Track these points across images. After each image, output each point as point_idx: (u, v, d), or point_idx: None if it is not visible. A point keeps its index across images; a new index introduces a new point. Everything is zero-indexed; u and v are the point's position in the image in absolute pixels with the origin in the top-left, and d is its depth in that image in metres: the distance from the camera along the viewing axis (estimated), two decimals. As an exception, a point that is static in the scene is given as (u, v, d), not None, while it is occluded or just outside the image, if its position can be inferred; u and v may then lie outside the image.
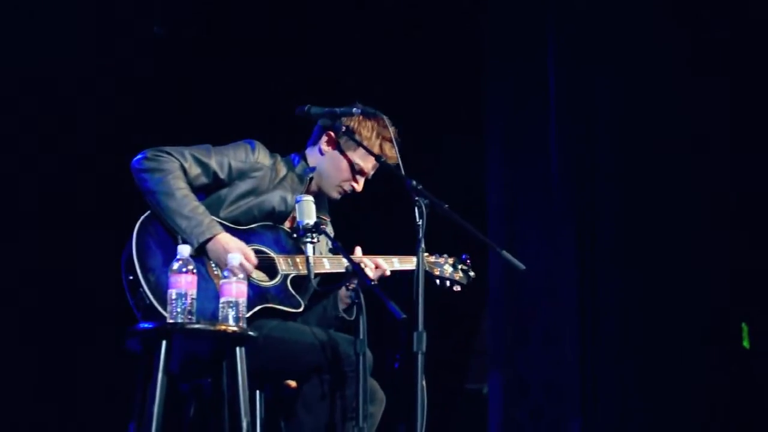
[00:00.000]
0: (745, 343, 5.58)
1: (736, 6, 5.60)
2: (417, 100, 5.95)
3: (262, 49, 6.19)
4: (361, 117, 4.16)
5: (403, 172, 3.92)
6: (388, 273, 4.15)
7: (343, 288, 4.10)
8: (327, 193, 4.26)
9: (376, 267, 4.14)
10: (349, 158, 4.20)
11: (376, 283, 3.89)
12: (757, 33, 5.58)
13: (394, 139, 4.14)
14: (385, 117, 4.17)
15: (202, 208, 3.94)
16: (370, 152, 4.13)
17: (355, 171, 4.22)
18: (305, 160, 4.27)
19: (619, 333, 5.58)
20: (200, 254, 3.88)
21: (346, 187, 4.24)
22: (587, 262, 5.68)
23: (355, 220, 4.66)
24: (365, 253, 4.17)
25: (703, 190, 5.62)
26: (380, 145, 4.18)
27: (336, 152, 4.22)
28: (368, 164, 4.21)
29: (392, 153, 4.15)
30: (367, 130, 4.18)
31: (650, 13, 5.73)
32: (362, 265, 4.05)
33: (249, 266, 3.87)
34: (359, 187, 4.25)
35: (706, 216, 5.59)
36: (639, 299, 5.59)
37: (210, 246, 3.90)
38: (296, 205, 3.97)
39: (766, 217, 5.56)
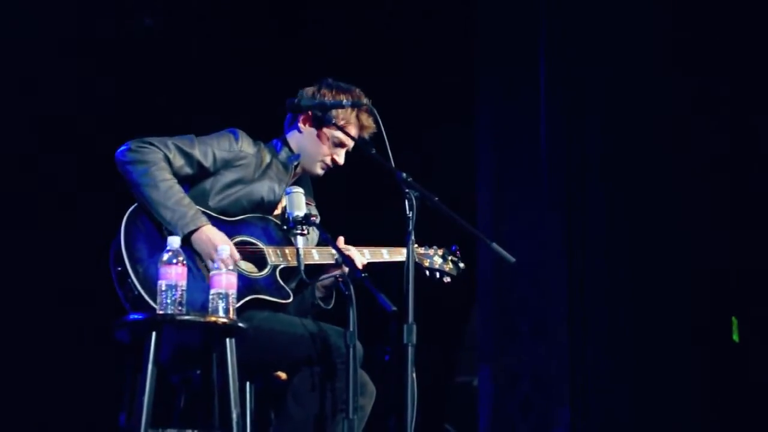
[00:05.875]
0: (735, 337, 5.60)
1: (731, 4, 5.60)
2: (407, 92, 5.95)
3: (250, 37, 6.18)
4: (350, 109, 4.18)
5: (393, 164, 3.92)
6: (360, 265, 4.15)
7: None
8: (310, 171, 4.26)
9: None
10: (328, 132, 4.21)
11: (366, 275, 3.90)
12: (750, 30, 5.58)
13: (369, 109, 4.14)
14: (358, 89, 4.19)
15: (187, 200, 3.94)
16: (346, 133, 4.14)
17: (335, 144, 4.23)
18: (287, 145, 4.28)
19: (607, 325, 5.60)
20: (185, 245, 3.86)
21: (328, 161, 4.25)
22: (576, 255, 5.68)
23: (345, 210, 4.66)
24: (355, 244, 4.17)
25: (693, 183, 5.63)
26: (357, 117, 4.20)
27: (314, 128, 4.24)
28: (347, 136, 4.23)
29: (369, 122, 4.18)
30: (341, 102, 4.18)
31: (643, 6, 5.73)
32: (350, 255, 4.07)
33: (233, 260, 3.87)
34: (341, 159, 4.26)
35: (695, 209, 5.60)
36: (628, 291, 5.61)
37: (195, 237, 3.89)
38: (286, 197, 3.98)
39: (757, 211, 5.57)
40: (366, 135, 4.18)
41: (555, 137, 5.82)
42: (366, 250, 4.20)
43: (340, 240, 4.16)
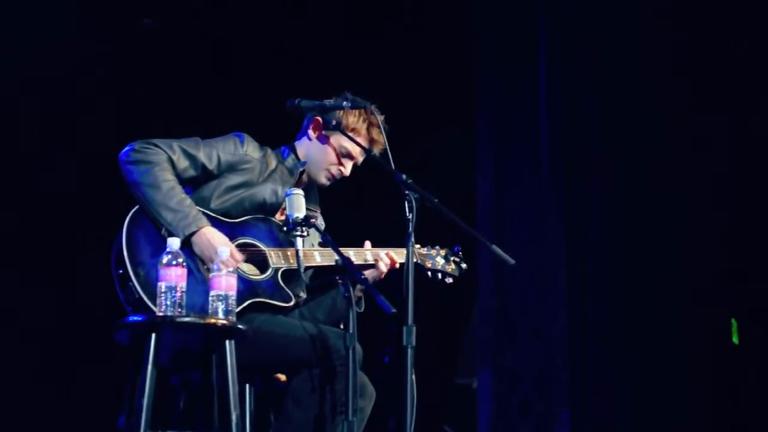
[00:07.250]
0: (735, 338, 5.60)
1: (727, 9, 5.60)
2: (408, 93, 5.95)
3: (252, 39, 6.18)
4: (361, 121, 4.19)
5: (392, 166, 3.92)
6: (397, 265, 4.16)
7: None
8: (315, 179, 4.26)
9: (390, 260, 4.17)
10: (336, 142, 4.21)
11: (365, 277, 3.90)
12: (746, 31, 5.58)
13: (381, 125, 4.15)
14: (373, 105, 4.18)
15: (188, 201, 3.93)
16: (355, 141, 4.14)
17: (343, 155, 4.23)
18: (295, 152, 4.28)
19: (607, 325, 5.59)
20: (185, 247, 3.85)
21: (334, 171, 4.25)
22: (576, 255, 5.68)
23: (346, 212, 4.65)
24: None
25: (693, 183, 5.62)
26: (367, 130, 4.20)
27: (322, 136, 4.24)
28: (355, 148, 4.22)
29: (379, 138, 4.18)
30: (353, 116, 4.20)
31: (641, 7, 5.73)
32: (377, 259, 4.12)
33: (233, 262, 3.86)
34: (347, 171, 4.26)
35: (696, 210, 5.60)
36: (627, 291, 5.60)
37: (195, 239, 3.89)
38: (286, 199, 3.96)
39: (757, 211, 5.56)
40: (375, 150, 4.17)
41: (555, 137, 5.81)
42: (391, 251, 4.20)
43: (367, 244, 4.18)
